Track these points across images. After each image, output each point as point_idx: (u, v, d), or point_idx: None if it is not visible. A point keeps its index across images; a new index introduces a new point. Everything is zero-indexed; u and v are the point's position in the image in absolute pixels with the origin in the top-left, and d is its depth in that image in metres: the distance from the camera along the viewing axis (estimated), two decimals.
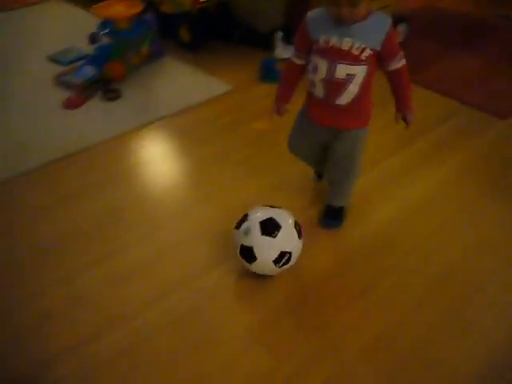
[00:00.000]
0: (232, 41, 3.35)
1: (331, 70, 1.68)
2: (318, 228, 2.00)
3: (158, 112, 2.70)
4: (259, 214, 1.71)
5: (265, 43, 3.21)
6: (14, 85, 2.96)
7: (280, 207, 1.78)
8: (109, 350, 1.55)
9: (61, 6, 4.05)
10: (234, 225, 1.74)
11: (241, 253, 1.70)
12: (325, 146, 1.90)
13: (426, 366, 1.52)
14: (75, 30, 3.50)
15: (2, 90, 2.92)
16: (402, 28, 3.27)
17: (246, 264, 1.71)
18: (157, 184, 2.28)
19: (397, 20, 3.23)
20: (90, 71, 2.92)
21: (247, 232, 1.68)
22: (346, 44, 1.63)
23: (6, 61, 3.22)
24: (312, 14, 1.70)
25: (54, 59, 3.18)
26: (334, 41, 1.64)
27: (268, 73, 2.97)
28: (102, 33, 2.93)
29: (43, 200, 2.15)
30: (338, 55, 1.65)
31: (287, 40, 3.13)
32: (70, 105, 2.72)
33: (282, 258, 1.68)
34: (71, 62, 3.11)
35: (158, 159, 2.42)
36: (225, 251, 1.86)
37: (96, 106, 2.75)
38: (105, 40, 3.07)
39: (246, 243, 1.68)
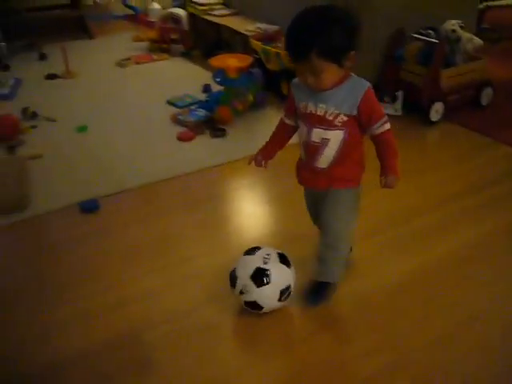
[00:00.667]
0: None
1: (309, 134, 1.72)
2: None
3: (255, 148, 3.07)
4: (272, 248, 1.87)
5: None
6: (140, 121, 3.48)
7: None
8: None
9: (181, 62, 4.67)
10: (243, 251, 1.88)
11: (254, 275, 1.77)
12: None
13: None
14: (191, 81, 4.05)
15: (132, 123, 3.44)
16: (487, 91, 3.50)
17: (253, 288, 1.77)
18: (233, 211, 2.64)
19: (482, 84, 3.48)
20: (201, 113, 3.39)
21: (266, 258, 1.80)
22: (320, 110, 1.66)
23: (135, 102, 3.79)
24: (297, 79, 1.72)
25: (171, 103, 3.69)
26: (310, 107, 1.68)
27: None
28: (215, 80, 3.40)
29: (141, 210, 2.58)
30: (314, 120, 1.69)
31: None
32: (183, 138, 3.18)
33: (287, 291, 1.81)
34: (186, 105, 3.60)
35: (245, 188, 2.79)
36: None
37: (204, 141, 3.20)
38: (216, 88, 3.56)
39: (263, 266, 1.78)
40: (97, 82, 4.21)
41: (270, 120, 3.48)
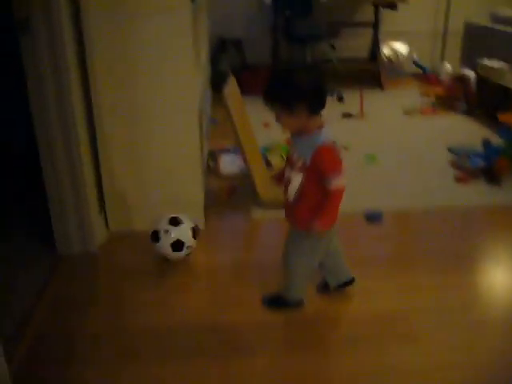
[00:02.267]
0: None
1: (285, 170, 2.04)
2: None
3: None
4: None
5: None
6: (420, 159, 3.95)
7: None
8: None
9: (463, 118, 4.99)
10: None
11: (170, 220, 2.40)
12: None
13: None
14: (471, 135, 4.36)
15: (413, 159, 3.91)
16: None
17: (172, 228, 2.39)
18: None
19: None
20: (479, 162, 3.69)
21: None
22: (293, 152, 1.98)
23: (417, 144, 4.28)
24: None
25: (452, 150, 4.06)
26: (291, 148, 2.04)
27: None
28: (499, 133, 3.67)
29: None
30: (289, 159, 2.02)
31: None
32: (461, 180, 3.54)
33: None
34: (465, 153, 3.92)
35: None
36: None
37: (479, 185, 3.52)
38: (495, 143, 3.81)
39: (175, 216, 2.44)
40: (384, 124, 4.82)
41: None
